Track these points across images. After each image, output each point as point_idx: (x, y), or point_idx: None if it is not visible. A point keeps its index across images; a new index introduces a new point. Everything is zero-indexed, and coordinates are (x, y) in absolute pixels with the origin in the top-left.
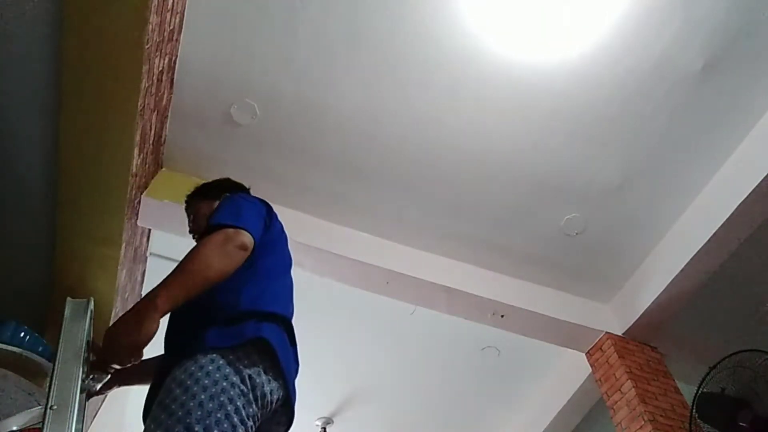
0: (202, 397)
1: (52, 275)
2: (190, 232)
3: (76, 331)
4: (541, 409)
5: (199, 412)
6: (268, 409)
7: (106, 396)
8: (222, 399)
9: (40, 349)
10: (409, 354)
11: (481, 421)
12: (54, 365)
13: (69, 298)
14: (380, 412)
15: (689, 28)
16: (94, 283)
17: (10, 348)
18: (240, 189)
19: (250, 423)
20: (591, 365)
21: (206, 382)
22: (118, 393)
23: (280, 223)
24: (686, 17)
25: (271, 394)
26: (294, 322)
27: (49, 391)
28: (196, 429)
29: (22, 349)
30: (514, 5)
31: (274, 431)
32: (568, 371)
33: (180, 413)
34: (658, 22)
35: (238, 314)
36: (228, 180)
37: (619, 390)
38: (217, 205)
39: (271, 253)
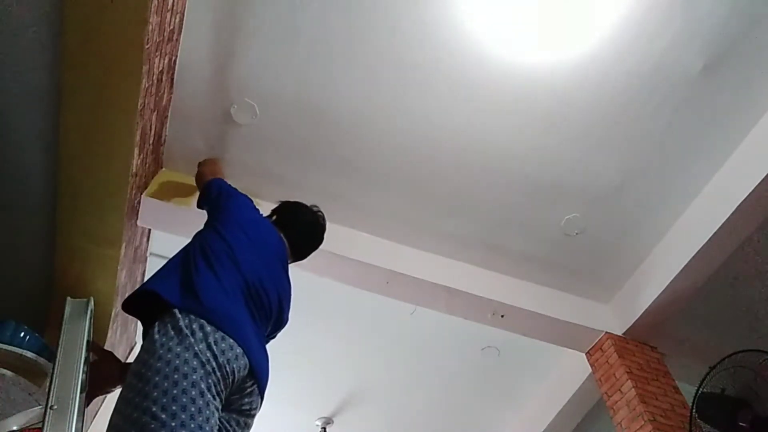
0: (156, 379)
1: (52, 275)
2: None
3: (76, 331)
4: (541, 409)
5: (155, 393)
6: (231, 379)
7: (106, 396)
8: (176, 377)
9: (40, 349)
10: (409, 354)
11: (480, 421)
12: (54, 365)
13: (69, 298)
14: (380, 412)
15: (689, 29)
16: (94, 283)
17: (10, 348)
18: None
19: (209, 395)
20: (591, 365)
21: (159, 364)
22: (118, 393)
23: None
24: (686, 18)
25: (224, 353)
26: (293, 322)
27: (49, 391)
28: (153, 409)
29: (22, 349)
30: (514, 6)
31: (246, 404)
32: (568, 371)
33: (137, 399)
34: (657, 22)
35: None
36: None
37: (619, 390)
38: None
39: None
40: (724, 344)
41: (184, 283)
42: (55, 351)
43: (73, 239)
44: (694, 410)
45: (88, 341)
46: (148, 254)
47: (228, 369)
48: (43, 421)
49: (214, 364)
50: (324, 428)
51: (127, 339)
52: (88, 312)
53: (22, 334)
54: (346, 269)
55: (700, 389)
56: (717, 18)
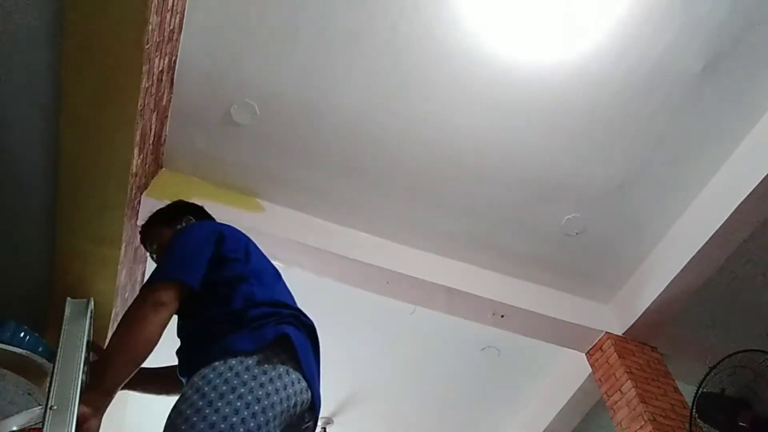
0: (220, 404)
1: (52, 275)
2: (156, 261)
3: (76, 331)
4: (541, 409)
5: (214, 417)
6: (295, 413)
7: None
8: (238, 404)
9: (40, 349)
10: (409, 354)
11: (481, 421)
12: (54, 365)
13: (69, 298)
14: (380, 412)
15: (689, 29)
16: (94, 283)
17: (10, 348)
18: (195, 210)
19: (267, 429)
20: (591, 365)
21: (224, 388)
22: (118, 394)
23: (246, 237)
24: (686, 18)
25: (296, 396)
26: None
27: (49, 391)
28: None
29: (22, 349)
30: (515, 5)
31: None
32: (568, 371)
33: (195, 418)
34: (658, 22)
35: (255, 318)
36: (181, 201)
37: (619, 390)
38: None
39: (257, 262)
40: (724, 344)
41: None
42: (55, 351)
43: (73, 239)
44: (694, 410)
45: (88, 341)
46: (148, 254)
47: (296, 400)
48: (43, 421)
49: (283, 394)
50: (324, 428)
51: None
52: (88, 312)
53: (22, 334)
54: (346, 269)
55: (700, 389)
56: (717, 18)
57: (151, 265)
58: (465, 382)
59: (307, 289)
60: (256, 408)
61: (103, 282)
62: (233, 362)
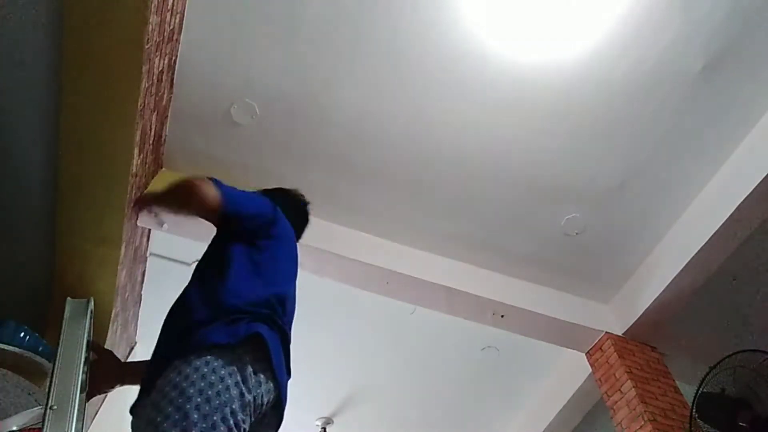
0: (199, 400)
1: (52, 275)
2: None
3: (76, 331)
4: (541, 409)
5: (195, 415)
6: (259, 412)
7: (106, 396)
8: (217, 402)
9: (40, 349)
10: (409, 354)
11: (481, 421)
12: (54, 365)
13: (69, 298)
14: (380, 412)
15: (689, 29)
16: (94, 283)
17: (10, 348)
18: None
19: (243, 426)
20: (591, 365)
21: (202, 384)
22: (118, 393)
23: (291, 231)
24: (686, 18)
25: (262, 396)
26: (294, 322)
27: (49, 391)
28: None
29: (22, 349)
30: (515, 6)
31: None
32: (568, 371)
33: (177, 416)
34: (658, 22)
35: (232, 311)
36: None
37: (619, 390)
38: None
39: (272, 258)
40: (724, 344)
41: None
42: (55, 351)
43: (73, 239)
44: (694, 410)
45: (88, 341)
46: (148, 254)
47: (261, 401)
48: (43, 421)
49: (252, 394)
50: (324, 428)
51: (127, 339)
52: (88, 312)
53: (22, 334)
54: (346, 269)
55: (700, 389)
56: (716, 18)
57: (151, 265)
58: (465, 382)
59: (308, 289)
60: (234, 406)
61: (103, 282)
62: (209, 358)
